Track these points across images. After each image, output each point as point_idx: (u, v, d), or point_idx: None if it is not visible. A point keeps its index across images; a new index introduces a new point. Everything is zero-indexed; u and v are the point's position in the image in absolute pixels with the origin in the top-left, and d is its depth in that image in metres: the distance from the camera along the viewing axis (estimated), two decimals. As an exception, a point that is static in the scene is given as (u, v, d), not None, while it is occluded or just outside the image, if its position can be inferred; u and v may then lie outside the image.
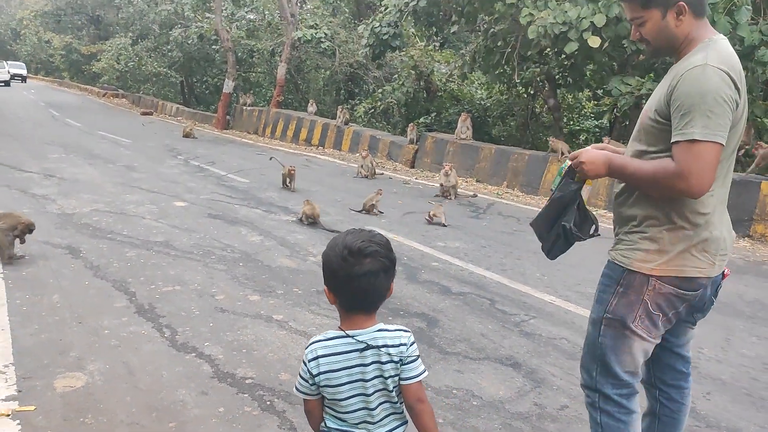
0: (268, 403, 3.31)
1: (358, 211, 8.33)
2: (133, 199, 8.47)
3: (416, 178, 12.56)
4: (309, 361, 1.82)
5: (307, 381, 1.84)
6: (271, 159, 12.15)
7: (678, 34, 2.11)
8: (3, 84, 40.32)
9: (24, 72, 50.66)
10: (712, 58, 1.98)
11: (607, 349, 2.23)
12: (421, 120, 17.20)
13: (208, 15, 25.22)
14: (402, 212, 8.66)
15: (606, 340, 2.23)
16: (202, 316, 4.48)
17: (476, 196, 10.45)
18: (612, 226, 2.39)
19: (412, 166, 14.15)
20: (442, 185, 10.14)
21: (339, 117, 17.14)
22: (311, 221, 7.53)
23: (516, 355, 4.11)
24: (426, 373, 1.89)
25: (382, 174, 12.47)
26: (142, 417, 3.11)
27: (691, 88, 1.96)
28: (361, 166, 12.04)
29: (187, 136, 18.17)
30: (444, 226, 7.77)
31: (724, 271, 2.25)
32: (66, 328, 4.16)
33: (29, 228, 5.60)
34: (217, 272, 5.51)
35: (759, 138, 10.36)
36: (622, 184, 2.28)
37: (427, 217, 8.02)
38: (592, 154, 2.22)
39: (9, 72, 42.25)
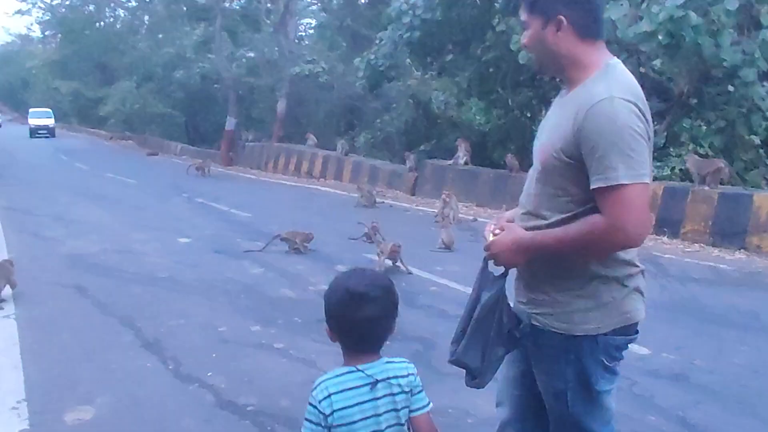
0: (269, 428, 3.39)
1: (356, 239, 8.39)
2: (139, 238, 8.61)
3: (416, 206, 12.67)
4: (320, 401, 1.70)
5: (318, 424, 1.71)
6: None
7: (557, 51, 1.87)
8: None
9: (51, 123, 41.91)
10: (616, 88, 1.75)
11: (582, 416, 1.99)
12: (421, 147, 17.35)
13: (209, 56, 25.64)
14: (402, 239, 8.73)
15: (577, 409, 1.98)
16: (205, 347, 4.57)
17: (476, 220, 10.53)
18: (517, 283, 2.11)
19: (413, 194, 14.27)
20: (442, 212, 10.10)
21: (339, 148, 17.33)
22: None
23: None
24: (431, 405, 1.85)
25: (383, 203, 12.58)
26: (148, 446, 3.21)
27: (602, 125, 1.72)
28: (361, 196, 12.17)
29: (199, 169, 18.25)
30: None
31: None
32: (75, 364, 4.25)
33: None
34: (219, 305, 5.61)
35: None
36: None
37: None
38: (500, 242, 1.94)
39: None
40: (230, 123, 23.48)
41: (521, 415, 2.17)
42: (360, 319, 1.72)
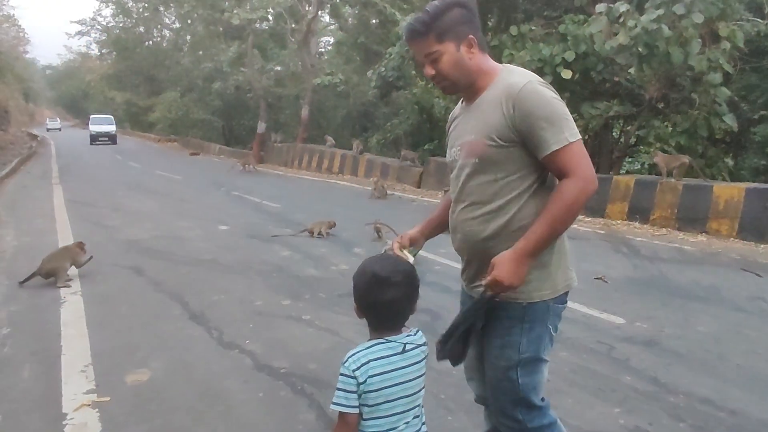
0: (300, 387, 3.40)
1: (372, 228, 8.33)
2: (185, 225, 8.64)
3: (422, 197, 12.64)
4: (354, 370, 1.63)
5: (352, 392, 1.63)
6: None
7: (472, 66, 1.84)
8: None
9: (112, 129, 36.43)
10: (528, 77, 1.78)
11: (528, 389, 1.89)
12: (425, 147, 17.30)
13: (242, 69, 25.61)
14: (410, 226, 8.72)
15: (526, 380, 1.88)
16: (243, 318, 4.59)
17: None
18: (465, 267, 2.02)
19: (419, 187, 14.25)
20: None
21: (354, 148, 17.29)
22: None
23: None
24: None
25: (393, 194, 12.56)
26: (196, 403, 3.22)
27: (536, 103, 1.73)
28: (374, 189, 12.15)
29: (244, 165, 18.69)
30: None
31: None
32: (133, 333, 4.28)
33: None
34: (255, 282, 5.63)
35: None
36: (488, 228, 1.85)
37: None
38: (505, 272, 1.75)
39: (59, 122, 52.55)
40: (261, 127, 23.48)
41: None
42: (385, 300, 1.68)
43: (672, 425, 2.99)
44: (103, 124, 36.38)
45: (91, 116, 39.03)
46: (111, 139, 35.53)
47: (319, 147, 19.97)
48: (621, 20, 9.26)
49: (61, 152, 27.14)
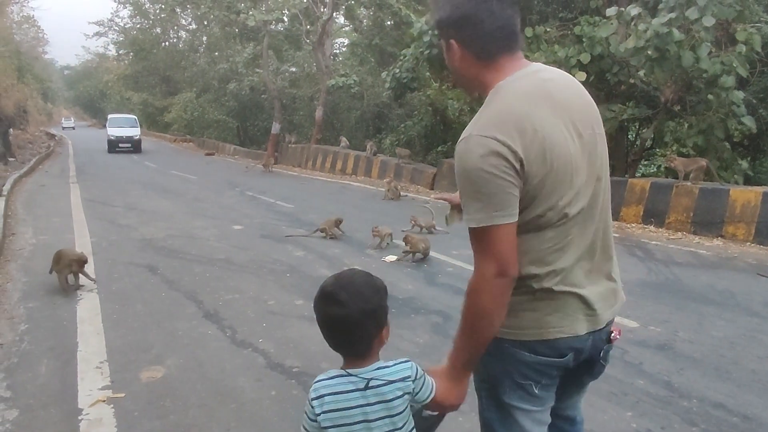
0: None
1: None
2: (200, 225, 8.71)
3: (435, 198, 12.63)
4: (312, 399, 1.48)
5: (313, 420, 1.48)
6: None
7: (464, 73, 1.58)
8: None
9: (136, 133, 28.37)
10: (482, 122, 1.42)
11: (495, 424, 1.64)
12: (439, 148, 17.29)
13: (257, 70, 25.76)
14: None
15: (491, 414, 1.64)
16: (256, 318, 4.63)
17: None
18: None
19: (432, 188, 14.23)
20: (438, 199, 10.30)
21: (368, 149, 17.33)
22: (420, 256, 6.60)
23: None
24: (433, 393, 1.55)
25: (406, 196, 12.57)
26: (209, 400, 3.25)
27: (457, 168, 1.45)
28: (388, 190, 12.16)
29: (265, 166, 19.38)
30: (447, 233, 7.72)
31: (611, 333, 1.64)
32: (148, 330, 4.33)
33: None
34: (268, 282, 5.67)
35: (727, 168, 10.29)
36: None
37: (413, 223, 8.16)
38: (441, 386, 1.56)
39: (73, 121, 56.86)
40: (275, 127, 23.59)
41: None
42: (329, 318, 1.48)
43: (684, 430, 2.98)
44: (124, 126, 28.51)
45: (110, 116, 30.81)
46: (134, 145, 27.70)
47: (333, 148, 20.02)
48: (633, 23, 9.22)
49: (78, 151, 27.47)
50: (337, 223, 7.89)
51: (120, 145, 27.60)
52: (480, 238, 1.42)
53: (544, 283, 1.49)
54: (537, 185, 1.40)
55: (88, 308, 4.83)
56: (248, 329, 4.36)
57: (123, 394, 3.30)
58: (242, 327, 4.40)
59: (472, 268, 1.47)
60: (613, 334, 1.64)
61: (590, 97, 1.59)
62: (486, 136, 1.38)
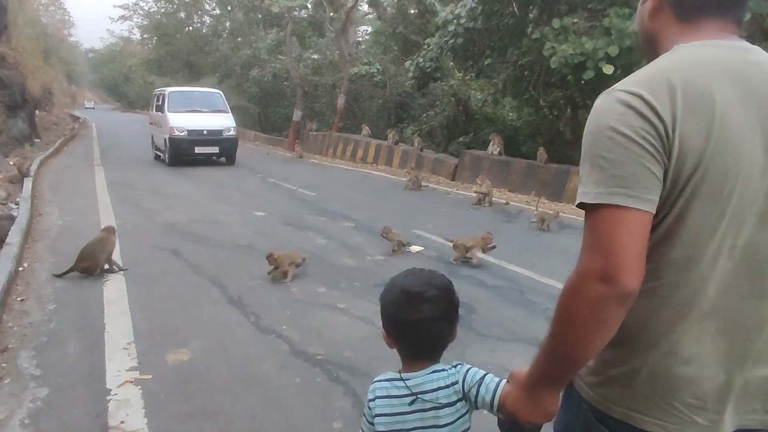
0: (335, 375, 3.44)
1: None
2: (223, 210, 8.77)
3: (456, 189, 12.57)
4: (369, 400, 1.45)
5: (370, 423, 1.44)
6: None
7: (649, 28, 1.27)
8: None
9: (228, 125, 15.69)
10: (633, 78, 1.12)
11: None
12: (460, 139, 17.19)
13: (280, 57, 25.79)
14: (442, 218, 8.71)
15: None
16: (280, 305, 4.66)
17: (508, 203, 10.42)
18: None
19: (453, 179, 14.15)
20: (477, 193, 10.30)
21: (390, 138, 17.28)
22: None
23: (542, 336, 4.11)
24: (503, 381, 1.39)
25: (427, 186, 12.52)
26: (234, 385, 3.28)
27: (586, 127, 1.13)
28: (409, 180, 12.12)
29: (300, 156, 19.57)
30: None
31: None
32: (173, 314, 4.39)
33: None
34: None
35: None
36: None
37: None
38: (512, 395, 1.31)
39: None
40: (297, 115, 23.62)
41: None
42: (416, 320, 1.38)
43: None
44: (201, 108, 15.96)
45: (167, 90, 16.37)
46: (225, 150, 15.65)
47: (354, 136, 20.00)
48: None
49: (102, 134, 27.77)
50: (298, 264, 5.51)
51: (197, 149, 15.00)
52: (592, 221, 1.08)
53: (648, 350, 1.15)
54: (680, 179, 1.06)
55: (114, 290, 4.91)
56: (272, 316, 4.39)
57: (150, 376, 3.35)
58: (266, 313, 4.43)
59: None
60: None
61: None
62: (631, 92, 1.08)
